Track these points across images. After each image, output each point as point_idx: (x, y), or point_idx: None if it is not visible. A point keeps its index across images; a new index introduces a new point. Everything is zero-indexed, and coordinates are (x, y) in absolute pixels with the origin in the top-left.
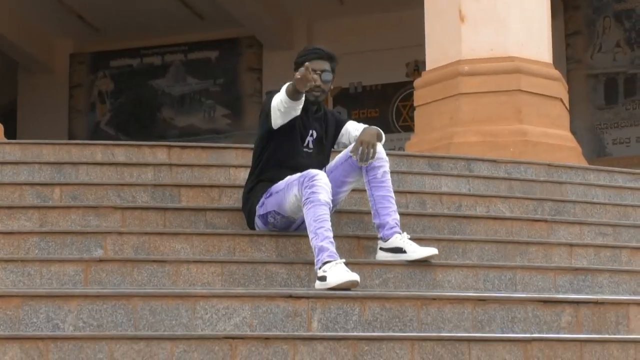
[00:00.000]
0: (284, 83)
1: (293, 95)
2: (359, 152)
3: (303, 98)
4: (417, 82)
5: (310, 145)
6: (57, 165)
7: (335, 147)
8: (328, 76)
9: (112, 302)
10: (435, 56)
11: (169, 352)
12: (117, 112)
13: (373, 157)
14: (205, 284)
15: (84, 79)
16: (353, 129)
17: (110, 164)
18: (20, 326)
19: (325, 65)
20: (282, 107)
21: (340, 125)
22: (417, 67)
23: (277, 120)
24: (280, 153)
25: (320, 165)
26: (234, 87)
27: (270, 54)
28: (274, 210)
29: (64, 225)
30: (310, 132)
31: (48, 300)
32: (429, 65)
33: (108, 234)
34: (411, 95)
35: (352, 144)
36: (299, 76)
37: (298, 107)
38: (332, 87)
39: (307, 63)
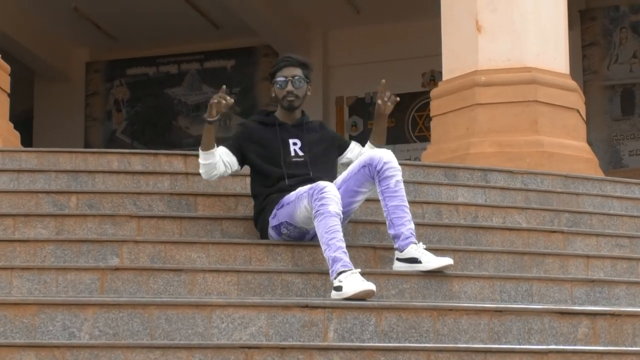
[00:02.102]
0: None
1: (206, 141)
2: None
3: (214, 149)
4: (434, 92)
5: (299, 153)
6: (74, 174)
7: (340, 161)
8: (300, 81)
9: (128, 310)
10: (451, 66)
11: None
12: (133, 120)
13: (391, 101)
14: (221, 293)
15: (100, 87)
16: (356, 148)
17: (127, 173)
18: (36, 334)
19: (296, 72)
20: (202, 167)
21: (343, 142)
22: (434, 77)
23: (207, 175)
24: (268, 172)
25: (325, 171)
26: (250, 96)
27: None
28: (286, 221)
29: (80, 233)
30: (291, 142)
31: (64, 309)
32: (446, 75)
33: (124, 242)
34: (427, 105)
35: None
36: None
37: (212, 157)
38: (308, 94)
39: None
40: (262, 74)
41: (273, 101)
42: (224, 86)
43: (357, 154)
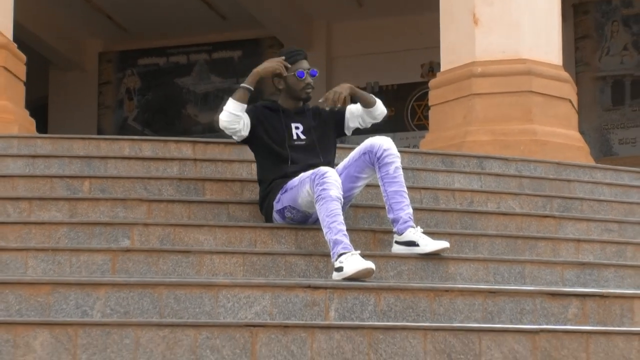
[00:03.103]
0: None
1: (242, 97)
2: (326, 97)
3: (245, 105)
4: (432, 83)
5: (302, 137)
6: (87, 159)
7: (347, 132)
8: (314, 72)
9: (139, 290)
10: (449, 58)
11: (193, 339)
12: (143, 108)
13: (340, 102)
14: (227, 274)
15: (113, 77)
16: (355, 108)
17: (138, 159)
18: (50, 312)
19: (308, 64)
20: (226, 116)
21: (340, 114)
22: (432, 68)
23: (228, 130)
24: (268, 155)
25: (324, 155)
26: (256, 85)
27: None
28: (290, 205)
29: (93, 216)
30: (294, 126)
31: (77, 288)
32: (444, 67)
33: (135, 225)
34: (426, 95)
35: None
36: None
37: (241, 114)
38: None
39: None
40: None
41: (280, 92)
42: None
43: (359, 112)
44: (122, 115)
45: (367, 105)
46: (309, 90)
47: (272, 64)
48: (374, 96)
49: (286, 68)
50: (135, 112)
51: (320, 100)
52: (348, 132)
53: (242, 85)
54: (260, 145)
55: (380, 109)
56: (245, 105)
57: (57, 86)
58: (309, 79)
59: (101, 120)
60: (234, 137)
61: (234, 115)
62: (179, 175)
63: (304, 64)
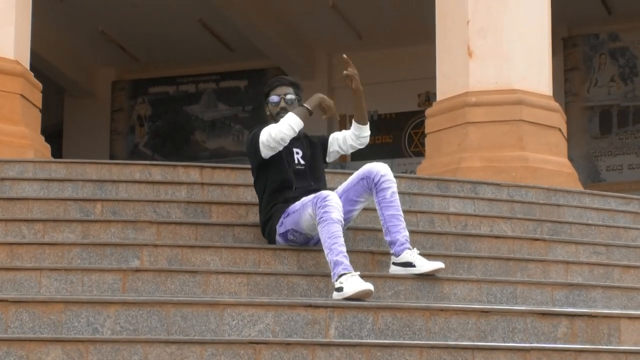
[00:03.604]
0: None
1: (304, 116)
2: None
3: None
4: (428, 112)
5: (302, 162)
6: (99, 183)
7: (328, 159)
8: (291, 97)
9: (147, 308)
10: (445, 88)
11: (199, 355)
12: (154, 134)
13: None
14: (232, 293)
15: (125, 104)
16: (338, 135)
17: (148, 182)
18: (62, 329)
19: (288, 90)
20: (280, 135)
21: (324, 140)
22: (429, 97)
23: (268, 149)
24: (276, 178)
25: (317, 180)
26: (261, 113)
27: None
28: (292, 228)
29: (104, 237)
30: (295, 150)
31: (88, 306)
32: (439, 96)
33: (144, 246)
34: (422, 123)
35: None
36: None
37: (296, 133)
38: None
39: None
40: None
41: (269, 119)
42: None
43: (341, 138)
44: (133, 140)
45: (362, 120)
46: (282, 115)
47: (329, 100)
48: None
49: (267, 96)
50: (145, 138)
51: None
52: (328, 159)
53: (306, 105)
54: (271, 169)
55: (368, 131)
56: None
57: (71, 113)
58: (283, 104)
59: (113, 146)
60: (264, 152)
61: (293, 131)
62: (187, 199)
63: (280, 90)
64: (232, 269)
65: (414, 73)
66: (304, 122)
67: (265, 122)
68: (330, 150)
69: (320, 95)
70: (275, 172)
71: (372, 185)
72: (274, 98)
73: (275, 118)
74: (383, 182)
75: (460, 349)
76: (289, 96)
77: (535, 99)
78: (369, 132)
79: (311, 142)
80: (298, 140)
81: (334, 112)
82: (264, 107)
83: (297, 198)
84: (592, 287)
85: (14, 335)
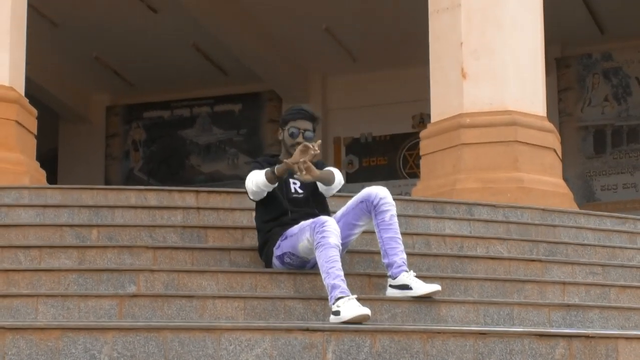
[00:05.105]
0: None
1: (273, 180)
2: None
3: (277, 183)
4: (423, 133)
5: (300, 190)
6: (95, 209)
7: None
8: (310, 135)
9: (144, 334)
10: (439, 110)
11: None
12: (149, 159)
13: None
14: (229, 317)
15: (119, 129)
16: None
17: (143, 207)
18: (60, 356)
19: (308, 126)
20: (257, 188)
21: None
22: (423, 119)
23: (252, 196)
24: (271, 209)
25: (319, 205)
26: (256, 137)
27: (289, 107)
28: (289, 252)
29: (101, 263)
30: (292, 181)
31: (85, 332)
32: (434, 118)
33: (141, 271)
34: (417, 145)
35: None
36: (302, 148)
37: (272, 187)
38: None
39: (302, 157)
40: (267, 116)
41: (278, 142)
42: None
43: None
44: (128, 165)
45: (326, 183)
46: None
47: (304, 157)
48: (333, 174)
49: (285, 123)
50: (140, 162)
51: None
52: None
53: (274, 171)
54: (266, 200)
55: (334, 190)
56: (273, 187)
57: (66, 138)
58: (301, 139)
59: (108, 171)
60: (252, 197)
61: (262, 190)
62: (183, 224)
63: (302, 123)
64: (229, 293)
65: (408, 95)
66: (273, 184)
67: (260, 148)
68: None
69: (291, 160)
70: (270, 204)
71: (371, 208)
72: (293, 131)
73: (289, 150)
74: (382, 204)
75: None
76: (308, 133)
77: (529, 120)
78: (336, 189)
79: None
80: None
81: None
82: (279, 131)
83: (296, 221)
84: (589, 307)
85: None
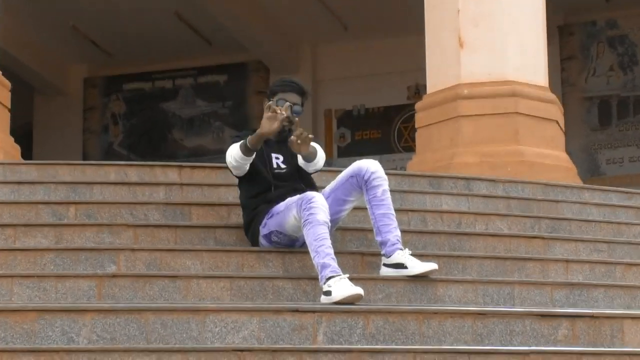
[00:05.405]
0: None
1: (247, 152)
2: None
3: (254, 154)
4: (418, 105)
5: (282, 165)
6: (72, 185)
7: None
8: (298, 109)
9: (125, 316)
10: (435, 80)
11: None
12: (129, 133)
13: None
14: (214, 298)
15: (98, 102)
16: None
17: (124, 184)
18: (36, 339)
19: (297, 99)
20: (235, 162)
21: None
22: (418, 90)
23: (234, 171)
24: (253, 185)
25: (305, 182)
26: (242, 109)
27: (277, 78)
28: (276, 230)
29: (79, 242)
30: (274, 156)
31: (63, 315)
32: (430, 89)
33: (121, 250)
34: (412, 117)
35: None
36: (269, 115)
37: (249, 160)
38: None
39: (279, 106)
40: (254, 88)
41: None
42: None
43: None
44: (107, 140)
45: (308, 159)
46: (286, 124)
47: (274, 125)
48: (317, 150)
49: (274, 94)
50: (120, 137)
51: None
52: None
53: (247, 144)
54: (249, 177)
55: (316, 165)
56: (250, 157)
57: (41, 112)
58: (289, 113)
59: (86, 146)
60: (234, 172)
61: (241, 163)
62: (165, 200)
63: (291, 96)
64: (214, 273)
65: (403, 65)
66: (250, 157)
67: (246, 121)
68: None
69: (262, 130)
70: (253, 179)
71: (362, 183)
72: (281, 104)
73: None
74: (374, 179)
75: (455, 354)
76: (296, 108)
77: (530, 91)
78: (316, 166)
79: None
80: (279, 143)
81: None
82: (265, 102)
83: (282, 197)
84: (594, 286)
85: None
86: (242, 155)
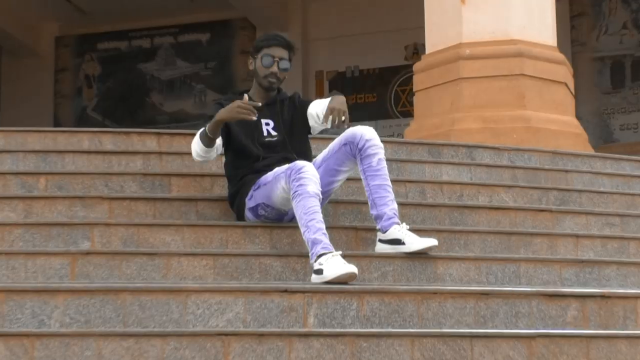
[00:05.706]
0: None
1: (209, 142)
2: (330, 119)
3: (217, 143)
4: (417, 66)
5: (273, 133)
6: (43, 154)
7: (313, 132)
8: (285, 65)
9: (100, 296)
10: (435, 39)
11: (159, 350)
12: (104, 97)
13: (345, 123)
14: (196, 277)
15: (70, 63)
16: (317, 107)
17: (98, 152)
18: (4, 322)
19: (284, 54)
20: (199, 157)
21: (304, 108)
22: (417, 50)
23: (203, 164)
24: (243, 152)
25: (298, 149)
26: (226, 70)
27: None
28: (264, 203)
29: (50, 216)
30: (264, 122)
31: (33, 295)
32: (429, 49)
33: (95, 225)
34: (410, 79)
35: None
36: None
37: (214, 149)
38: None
39: (246, 100)
40: (239, 47)
41: (250, 75)
42: (246, 96)
43: (315, 115)
44: (80, 104)
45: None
46: (273, 81)
47: (239, 113)
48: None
49: (258, 50)
50: (95, 100)
51: (321, 122)
52: (312, 132)
53: (206, 131)
54: (231, 142)
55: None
56: (214, 147)
57: (9, 74)
58: (275, 68)
59: (58, 111)
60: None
61: (206, 157)
62: (143, 170)
63: (277, 51)
64: (196, 250)
65: (400, 22)
66: (211, 146)
67: (231, 83)
68: (311, 124)
69: (222, 115)
70: (236, 145)
71: (356, 152)
72: (267, 59)
73: (261, 82)
74: (369, 147)
75: (456, 337)
76: (283, 63)
77: (537, 50)
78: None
79: (294, 107)
80: (272, 106)
81: None
82: (249, 60)
83: (271, 167)
84: (605, 263)
85: None
86: (205, 148)
